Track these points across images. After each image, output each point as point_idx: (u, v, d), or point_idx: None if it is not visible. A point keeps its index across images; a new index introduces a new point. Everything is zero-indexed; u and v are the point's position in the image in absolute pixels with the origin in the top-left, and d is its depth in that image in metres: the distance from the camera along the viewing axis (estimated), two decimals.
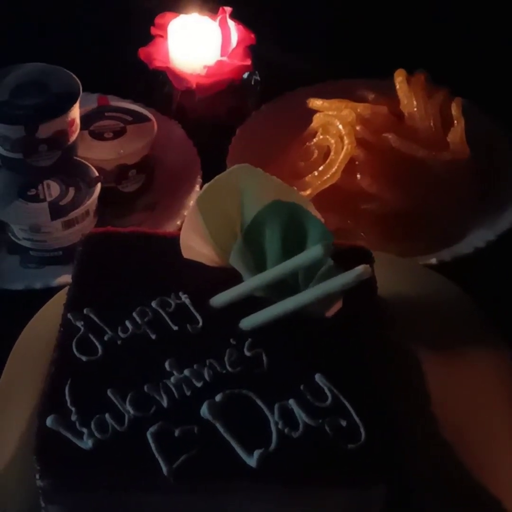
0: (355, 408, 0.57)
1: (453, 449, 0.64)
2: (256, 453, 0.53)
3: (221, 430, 0.55)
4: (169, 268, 0.65)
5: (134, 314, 0.61)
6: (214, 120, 0.97)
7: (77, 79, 0.82)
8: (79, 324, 0.61)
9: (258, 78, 0.99)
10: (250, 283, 0.61)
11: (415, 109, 0.87)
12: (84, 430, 0.54)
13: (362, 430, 0.56)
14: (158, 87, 0.98)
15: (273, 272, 0.60)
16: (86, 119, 0.88)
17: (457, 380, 0.68)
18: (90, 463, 0.54)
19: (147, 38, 0.97)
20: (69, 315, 0.61)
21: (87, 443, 0.54)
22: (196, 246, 0.63)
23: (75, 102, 0.80)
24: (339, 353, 0.61)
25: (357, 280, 0.56)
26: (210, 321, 0.61)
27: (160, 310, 0.62)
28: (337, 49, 1.03)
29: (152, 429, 0.54)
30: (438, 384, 0.68)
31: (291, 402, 0.56)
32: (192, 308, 0.62)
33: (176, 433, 0.54)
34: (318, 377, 0.58)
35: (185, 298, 0.63)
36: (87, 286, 0.64)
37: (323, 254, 0.56)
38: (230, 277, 0.62)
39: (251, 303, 0.61)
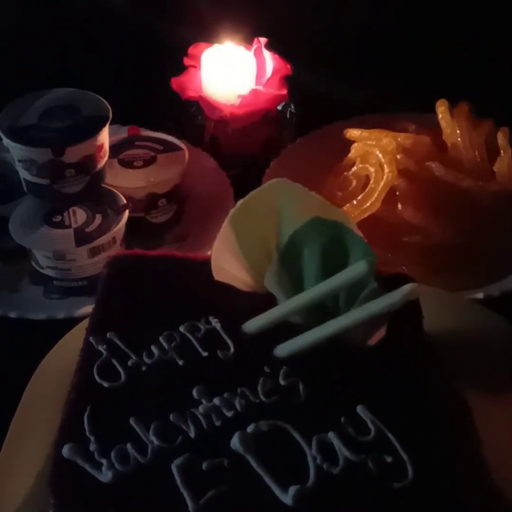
0: (401, 443, 0.53)
1: (505, 494, 0.59)
2: (292, 490, 0.49)
3: (253, 464, 0.51)
4: (199, 291, 0.62)
5: (161, 339, 0.58)
6: (248, 152, 0.95)
7: (107, 104, 0.80)
8: (102, 348, 0.58)
9: (293, 110, 0.97)
10: (286, 306, 0.58)
11: (459, 139, 0.85)
12: (104, 461, 0.51)
13: (409, 467, 0.52)
14: (191, 118, 0.96)
15: (311, 294, 0.57)
16: (116, 148, 0.87)
17: (507, 420, 0.64)
18: (109, 497, 0.50)
19: (180, 69, 0.95)
20: (91, 339, 0.59)
21: (106, 475, 0.50)
22: (228, 268, 0.61)
23: (104, 126, 0.78)
24: (383, 384, 0.57)
25: (404, 300, 0.52)
26: (242, 347, 0.58)
27: (189, 335, 0.59)
28: (376, 82, 1.00)
29: (177, 461, 0.51)
30: (486, 425, 0.64)
31: (331, 435, 0.53)
32: (223, 334, 0.59)
33: (204, 466, 0.51)
34: (360, 409, 0.54)
35: (215, 323, 0.60)
36: (111, 309, 0.62)
37: (367, 271, 0.52)
38: (264, 301, 0.59)
39: (286, 329, 0.58)
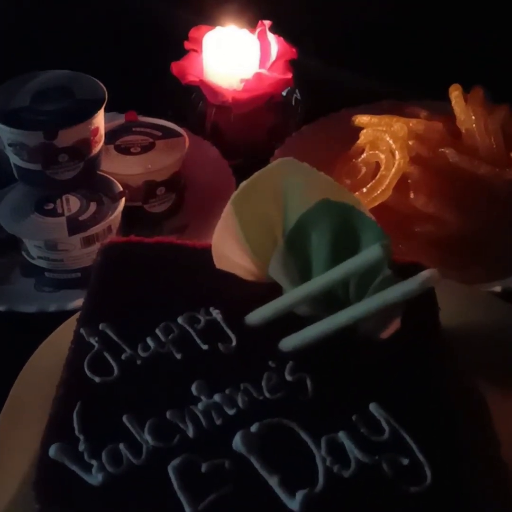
0: (418, 443, 0.50)
1: None
2: (299, 494, 0.47)
3: (257, 466, 0.48)
4: (198, 281, 0.59)
5: (157, 331, 0.56)
6: (251, 140, 0.92)
7: (103, 86, 0.77)
8: (93, 340, 0.55)
9: (298, 97, 0.94)
10: (292, 296, 0.55)
11: (474, 125, 0.81)
12: (94, 462, 0.48)
13: (427, 470, 0.49)
14: (191, 105, 0.93)
15: (319, 282, 0.53)
16: (112, 134, 0.84)
17: None
18: (99, 502, 0.47)
19: (180, 54, 0.92)
20: (82, 330, 0.56)
21: (96, 478, 0.48)
22: (230, 255, 0.58)
23: (99, 109, 0.75)
24: (397, 380, 0.54)
25: (423, 287, 0.48)
26: (245, 340, 0.56)
27: (188, 327, 0.56)
28: (385, 68, 0.98)
29: (174, 462, 0.48)
30: (504, 423, 0.61)
31: (341, 435, 0.50)
32: (224, 325, 0.56)
33: (203, 468, 0.48)
34: (373, 407, 0.52)
35: (216, 314, 0.57)
36: (104, 299, 0.59)
37: (382, 256, 0.48)
38: (269, 291, 0.56)
39: (292, 320, 0.55)
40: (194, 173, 0.87)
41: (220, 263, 0.58)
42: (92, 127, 0.75)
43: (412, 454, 0.49)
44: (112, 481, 0.47)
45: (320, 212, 0.54)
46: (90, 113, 0.74)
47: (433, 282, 0.48)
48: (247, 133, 0.91)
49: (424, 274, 0.48)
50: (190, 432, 0.50)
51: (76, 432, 0.49)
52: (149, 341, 0.55)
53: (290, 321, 0.55)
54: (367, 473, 0.48)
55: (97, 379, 0.53)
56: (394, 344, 0.54)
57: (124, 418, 0.50)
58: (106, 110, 0.77)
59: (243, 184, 0.56)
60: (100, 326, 0.56)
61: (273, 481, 0.47)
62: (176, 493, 0.47)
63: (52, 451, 0.48)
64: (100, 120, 0.76)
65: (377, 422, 0.50)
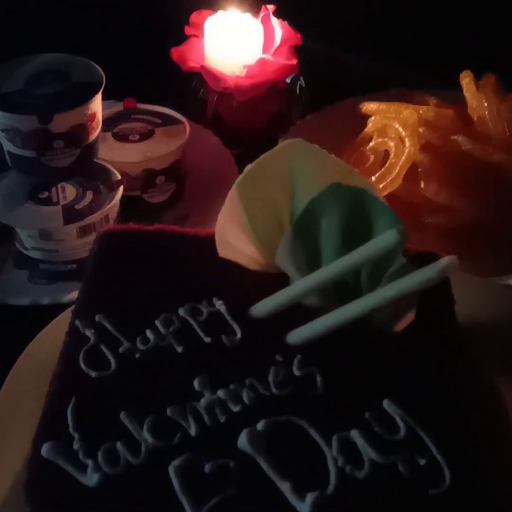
0: (436, 442, 0.47)
1: None
2: (310, 497, 0.44)
3: (264, 466, 0.46)
4: (200, 270, 0.57)
5: (157, 323, 0.54)
6: (254, 129, 0.89)
7: (100, 70, 0.74)
8: (89, 332, 0.53)
9: (303, 84, 0.91)
10: (300, 286, 0.52)
11: (486, 112, 0.79)
12: (89, 462, 0.46)
13: (446, 470, 0.46)
14: (192, 92, 0.90)
15: (329, 271, 0.51)
16: (110, 122, 0.81)
17: None
18: (94, 504, 0.45)
19: (181, 39, 0.89)
20: (77, 322, 0.54)
21: (91, 479, 0.46)
22: (235, 242, 0.55)
23: (96, 93, 0.72)
24: (412, 374, 0.52)
25: (442, 275, 0.46)
26: (250, 333, 0.53)
27: (189, 319, 0.54)
28: (393, 55, 0.95)
29: (175, 462, 0.46)
30: None
31: (354, 433, 0.48)
32: (228, 317, 0.54)
33: (206, 468, 0.46)
34: (387, 404, 0.49)
35: (220, 305, 0.55)
36: (100, 289, 0.56)
37: (399, 241, 0.45)
38: (275, 281, 0.54)
39: (301, 312, 0.53)
40: (195, 163, 0.85)
41: (223, 252, 0.56)
42: (89, 112, 0.72)
43: (430, 454, 0.47)
44: (109, 482, 0.45)
45: (330, 196, 0.52)
46: (87, 97, 0.71)
47: (453, 270, 0.45)
48: (250, 122, 0.89)
49: (443, 261, 0.45)
50: (192, 430, 0.48)
51: (70, 429, 0.47)
52: (148, 333, 0.53)
53: (298, 312, 0.53)
54: (382, 474, 0.46)
55: (93, 374, 0.51)
56: (409, 337, 0.52)
57: (122, 415, 0.48)
58: (103, 98, 0.74)
59: (249, 167, 0.54)
60: (97, 318, 0.53)
61: (281, 483, 0.45)
62: (177, 495, 0.45)
63: (44, 449, 0.46)
64: (97, 105, 0.73)
65: (392, 420, 0.48)
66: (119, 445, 0.47)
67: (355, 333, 0.51)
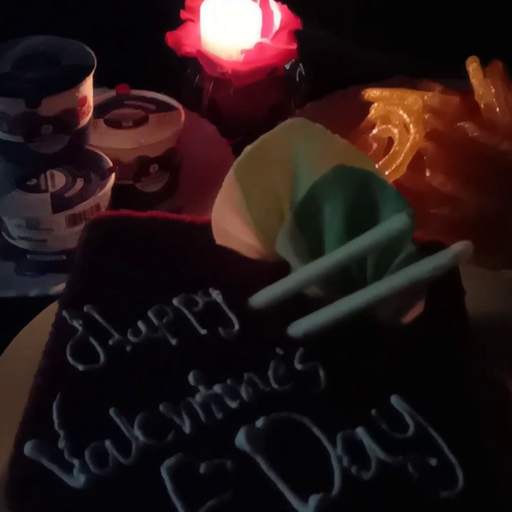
0: (448, 441, 0.45)
1: None
2: (313, 500, 0.43)
3: (264, 466, 0.44)
4: (196, 259, 0.55)
5: (150, 314, 0.52)
6: (251, 117, 0.86)
7: (92, 52, 0.72)
8: (77, 324, 0.51)
9: (303, 71, 0.89)
10: (302, 275, 0.50)
11: (494, 99, 0.77)
12: (75, 461, 0.44)
13: (459, 472, 0.44)
14: (187, 79, 0.88)
15: (332, 259, 0.49)
16: (102, 108, 0.78)
17: None
18: (80, 507, 0.44)
19: (176, 24, 0.87)
20: (64, 313, 0.52)
21: (78, 480, 0.44)
22: (233, 230, 0.53)
23: (87, 76, 0.70)
24: (421, 369, 0.50)
25: (453, 263, 0.43)
26: (248, 324, 0.52)
27: (184, 309, 0.52)
28: (396, 41, 0.93)
29: (168, 462, 0.45)
30: None
31: (360, 431, 0.46)
32: (225, 308, 0.52)
33: (202, 469, 0.44)
34: (394, 400, 0.47)
35: (216, 295, 0.53)
36: (90, 278, 0.54)
37: (409, 226, 0.43)
38: (275, 270, 0.52)
39: (302, 302, 0.51)
40: (190, 152, 0.82)
41: (220, 239, 0.54)
42: (79, 96, 0.69)
43: (441, 454, 0.45)
44: (97, 483, 0.44)
45: (334, 180, 0.49)
46: (77, 80, 0.69)
47: (467, 256, 0.43)
48: (247, 110, 0.86)
49: (456, 246, 0.43)
50: (187, 428, 0.46)
51: (56, 427, 0.46)
52: (140, 325, 0.51)
53: (300, 303, 0.51)
54: (390, 475, 0.44)
55: (80, 367, 0.49)
56: (417, 330, 0.50)
57: (111, 412, 0.47)
58: (95, 85, 0.72)
59: (248, 148, 0.51)
60: (85, 308, 0.52)
61: (282, 484, 0.43)
62: (170, 497, 0.43)
63: (27, 448, 0.45)
64: (88, 88, 0.71)
65: (400, 417, 0.46)
66: (108, 443, 0.45)
67: (360, 326, 0.50)
